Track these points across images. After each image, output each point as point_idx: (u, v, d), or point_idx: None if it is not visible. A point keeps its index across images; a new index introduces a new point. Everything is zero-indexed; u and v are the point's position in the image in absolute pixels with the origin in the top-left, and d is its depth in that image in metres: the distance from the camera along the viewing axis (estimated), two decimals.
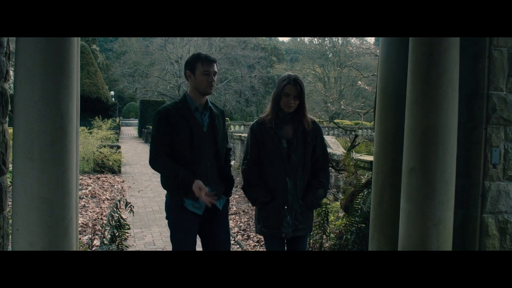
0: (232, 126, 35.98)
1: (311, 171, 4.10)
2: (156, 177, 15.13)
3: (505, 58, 4.07)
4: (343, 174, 6.30)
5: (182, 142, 3.79)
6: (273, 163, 3.99)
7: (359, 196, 5.43)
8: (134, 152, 23.81)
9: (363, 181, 5.55)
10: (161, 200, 10.87)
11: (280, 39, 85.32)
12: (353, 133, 30.42)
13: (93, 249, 4.77)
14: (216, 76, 3.91)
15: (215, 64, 3.86)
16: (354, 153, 6.74)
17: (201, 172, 3.81)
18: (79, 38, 3.66)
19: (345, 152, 6.82)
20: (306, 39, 66.98)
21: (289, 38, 77.43)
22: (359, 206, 5.32)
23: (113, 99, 42.77)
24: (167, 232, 8.22)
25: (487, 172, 4.07)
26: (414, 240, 3.87)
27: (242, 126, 36.72)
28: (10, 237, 3.74)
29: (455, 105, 3.84)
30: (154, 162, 3.82)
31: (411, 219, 3.89)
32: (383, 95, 4.55)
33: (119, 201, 4.88)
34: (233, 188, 4.21)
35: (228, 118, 44.19)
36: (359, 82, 21.43)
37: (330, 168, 4.86)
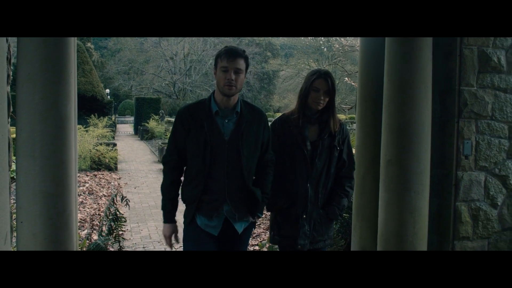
0: None
1: (335, 177, 3.69)
2: (151, 173, 15.40)
3: (475, 56, 4.34)
4: None
5: (195, 150, 3.26)
6: (295, 166, 3.58)
7: None
8: (130, 149, 24.00)
9: None
10: (157, 195, 11.13)
11: None
12: None
13: (92, 241, 5.03)
14: (242, 74, 3.27)
15: (238, 60, 3.22)
16: None
17: (215, 188, 3.27)
18: (76, 40, 3.90)
19: None
20: None
21: None
22: None
23: (108, 97, 42.96)
24: (162, 225, 8.52)
25: (460, 163, 4.35)
26: (392, 227, 4.16)
27: None
28: (13, 230, 4.00)
29: (428, 101, 4.12)
30: (163, 167, 3.45)
31: (389, 208, 4.17)
32: (363, 91, 4.83)
33: (116, 195, 5.15)
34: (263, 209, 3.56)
35: None
36: (346, 78, 21.70)
37: None
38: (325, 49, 62.71)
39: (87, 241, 4.91)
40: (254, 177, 3.44)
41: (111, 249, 4.54)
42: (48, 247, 3.49)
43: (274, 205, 3.63)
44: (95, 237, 6.22)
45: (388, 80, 4.17)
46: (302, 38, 66.30)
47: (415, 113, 4.05)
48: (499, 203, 4.48)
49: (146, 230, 8.20)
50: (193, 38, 53.92)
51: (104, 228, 4.87)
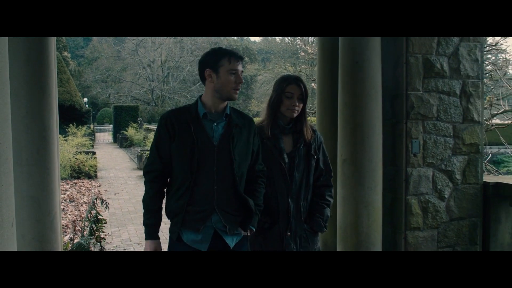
0: None
1: (314, 188, 3.49)
2: (131, 180, 15.72)
3: (420, 63, 4.80)
4: None
5: (181, 156, 3.01)
6: (273, 181, 3.33)
7: None
8: (110, 157, 24.24)
9: None
10: (136, 201, 11.50)
11: (252, 39, 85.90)
12: None
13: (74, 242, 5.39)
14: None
15: (242, 62, 3.09)
16: None
17: (203, 196, 3.01)
18: (55, 54, 4.27)
19: None
20: (278, 38, 67.75)
21: (261, 38, 78.12)
22: None
23: (86, 105, 43.03)
24: (142, 229, 8.89)
25: (409, 160, 4.81)
26: (349, 220, 4.61)
27: None
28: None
29: (378, 105, 4.57)
30: (145, 177, 3.16)
31: (345, 203, 4.62)
32: (321, 96, 5.29)
33: (96, 199, 5.52)
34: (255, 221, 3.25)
35: None
36: (312, 84, 22.12)
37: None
38: (302, 53, 63.45)
39: (70, 244, 5.27)
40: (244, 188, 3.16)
41: (93, 249, 4.90)
42: (36, 246, 3.86)
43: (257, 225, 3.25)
44: (77, 240, 6.58)
45: (342, 87, 4.62)
46: (279, 42, 66.93)
47: (367, 116, 4.50)
48: (446, 196, 4.94)
49: (126, 233, 8.55)
50: (170, 45, 54.23)
51: (86, 230, 5.23)
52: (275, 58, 63.82)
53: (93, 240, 4.97)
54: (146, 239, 3.09)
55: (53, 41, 4.13)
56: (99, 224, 5.14)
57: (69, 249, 4.82)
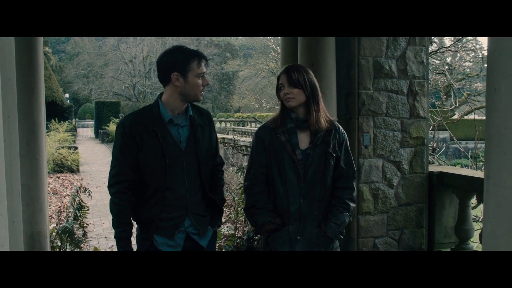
0: None
1: (333, 189, 3.24)
2: None
3: (371, 65, 5.37)
4: None
5: (152, 164, 2.95)
6: (285, 179, 3.13)
7: None
8: (91, 152, 24.65)
9: None
10: None
11: None
12: None
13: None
14: None
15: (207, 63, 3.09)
16: None
17: (176, 203, 2.99)
18: (43, 54, 4.75)
19: None
20: None
21: None
22: None
23: (68, 101, 43.19)
24: None
25: (361, 152, 5.38)
26: None
27: None
28: None
29: (333, 102, 5.12)
30: (112, 189, 2.99)
31: None
32: None
33: (80, 187, 6.03)
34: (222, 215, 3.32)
35: None
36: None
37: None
38: (273, 53, 63.88)
39: (56, 229, 5.75)
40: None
41: (77, 233, 5.41)
42: (26, 228, 4.35)
43: (262, 226, 3.16)
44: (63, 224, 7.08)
45: None
46: (261, 38, 67.37)
47: None
48: (394, 184, 5.52)
49: (108, 223, 9.09)
50: (152, 41, 54.41)
51: (70, 217, 5.72)
52: (256, 54, 64.17)
53: (77, 225, 5.47)
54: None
55: (41, 41, 4.63)
56: (82, 211, 5.64)
57: (54, 234, 5.32)
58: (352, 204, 3.24)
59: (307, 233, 3.13)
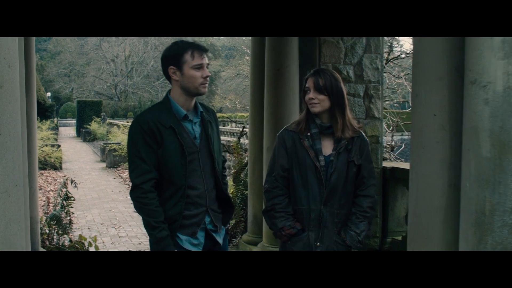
0: None
1: (354, 197, 3.20)
2: (94, 171, 16.68)
3: None
4: (234, 156, 8.11)
5: (172, 162, 2.88)
6: (306, 185, 3.09)
7: (243, 171, 7.35)
8: (74, 150, 25.01)
9: (246, 160, 7.43)
10: (100, 189, 12.61)
11: None
12: (241, 125, 32.69)
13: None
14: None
15: (206, 54, 2.96)
16: (245, 139, 8.87)
17: (197, 200, 2.97)
18: (35, 53, 5.30)
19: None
20: None
21: None
22: (243, 178, 7.24)
23: (50, 100, 43.38)
24: (104, 212, 9.95)
25: None
26: None
27: None
28: None
29: (295, 103, 5.73)
30: (138, 191, 2.86)
31: None
32: (252, 95, 6.45)
33: (67, 179, 6.57)
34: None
35: None
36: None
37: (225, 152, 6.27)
38: (247, 56, 64.39)
39: (45, 216, 6.28)
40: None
41: (65, 221, 5.96)
42: None
43: (282, 230, 3.13)
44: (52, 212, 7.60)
45: (267, 90, 5.78)
46: (243, 39, 67.81)
47: (286, 112, 5.66)
48: None
49: (91, 216, 9.64)
50: (134, 40, 54.65)
51: (58, 206, 6.25)
52: (238, 55, 64.50)
53: (64, 214, 6.02)
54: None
55: (33, 41, 5.15)
56: (69, 201, 6.18)
57: (44, 220, 5.87)
58: (372, 212, 3.20)
59: (326, 240, 3.08)
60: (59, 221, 5.68)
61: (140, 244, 7.61)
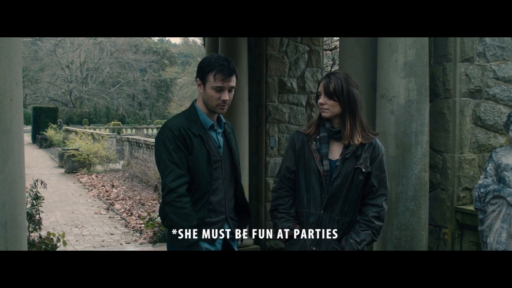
0: (124, 130, 37.42)
1: (361, 205, 3.08)
2: (53, 176, 17.00)
3: (276, 83, 6.78)
4: None
5: (200, 168, 2.93)
6: (309, 188, 3.04)
7: None
8: (30, 156, 25.02)
9: None
10: (60, 193, 13.08)
11: (172, 41, 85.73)
12: None
13: None
14: (233, 92, 3.02)
15: (233, 78, 2.93)
16: None
17: (218, 207, 3.02)
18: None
19: None
20: (199, 40, 68.38)
21: (181, 40, 78.13)
22: None
23: None
24: (67, 214, 10.45)
25: (268, 152, 6.77)
26: None
27: (134, 130, 38.32)
28: None
29: (245, 112, 6.49)
30: (172, 195, 2.87)
31: None
32: None
33: (37, 181, 7.11)
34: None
35: (120, 122, 45.14)
36: None
37: None
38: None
39: None
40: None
41: (36, 218, 6.52)
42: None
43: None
44: None
45: None
46: (200, 45, 67.74)
47: (237, 120, 6.38)
48: None
49: (54, 217, 10.21)
50: (89, 46, 54.34)
51: (28, 204, 6.79)
52: (194, 62, 64.60)
53: (34, 212, 6.57)
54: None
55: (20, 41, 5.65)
56: (38, 200, 6.74)
57: None
58: (377, 223, 3.03)
59: (324, 245, 2.99)
60: (32, 217, 6.22)
61: (103, 241, 8.20)
